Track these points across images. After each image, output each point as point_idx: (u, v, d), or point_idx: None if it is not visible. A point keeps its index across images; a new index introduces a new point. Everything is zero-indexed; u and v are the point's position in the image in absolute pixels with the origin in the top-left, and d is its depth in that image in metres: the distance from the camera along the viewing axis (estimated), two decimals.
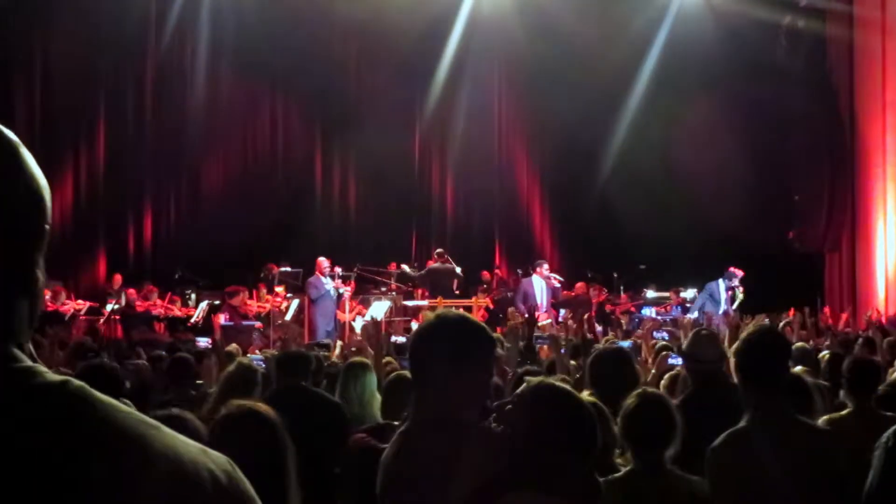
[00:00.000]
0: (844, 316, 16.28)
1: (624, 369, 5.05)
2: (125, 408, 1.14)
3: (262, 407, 3.31)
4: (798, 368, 6.72)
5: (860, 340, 9.90)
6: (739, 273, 16.78)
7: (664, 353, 7.33)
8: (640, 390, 3.97)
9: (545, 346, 8.79)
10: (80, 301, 17.04)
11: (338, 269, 16.93)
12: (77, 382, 1.13)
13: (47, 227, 1.22)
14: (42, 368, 1.14)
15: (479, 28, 20.98)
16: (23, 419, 1.07)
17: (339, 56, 20.76)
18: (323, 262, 16.60)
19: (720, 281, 16.82)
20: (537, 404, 2.87)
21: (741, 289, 16.88)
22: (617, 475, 3.71)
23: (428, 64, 21.12)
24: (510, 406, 2.95)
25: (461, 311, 3.28)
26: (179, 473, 1.11)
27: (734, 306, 17.17)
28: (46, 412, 1.09)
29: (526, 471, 2.72)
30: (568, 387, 3.07)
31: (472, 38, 21.02)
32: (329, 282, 16.52)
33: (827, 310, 16.86)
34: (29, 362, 1.14)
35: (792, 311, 14.86)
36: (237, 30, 19.87)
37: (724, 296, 16.70)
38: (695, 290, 17.69)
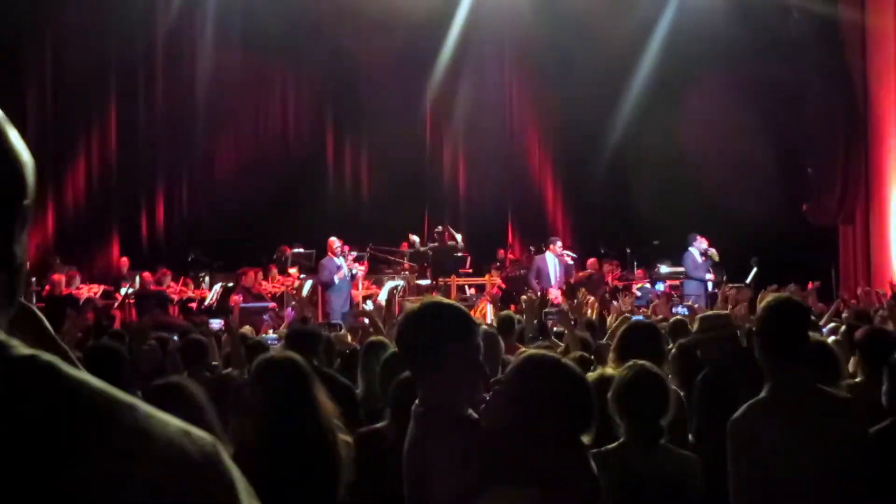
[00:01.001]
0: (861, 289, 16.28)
1: (654, 343, 5.09)
2: (97, 383, 1.10)
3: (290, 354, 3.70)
4: (831, 338, 6.74)
5: (880, 312, 9.88)
6: (701, 239, 17.05)
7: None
8: (632, 362, 3.97)
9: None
10: (94, 285, 17.10)
11: (348, 250, 16.92)
12: (47, 356, 1.10)
13: (27, 202, 1.16)
14: (14, 342, 1.11)
15: (487, 5, 20.89)
16: None
17: (348, 36, 20.67)
18: (334, 241, 16.58)
19: (690, 250, 17.05)
20: (525, 375, 2.86)
21: (714, 251, 17.12)
22: (608, 447, 3.71)
23: (436, 42, 21.04)
24: (500, 380, 2.96)
25: (435, 296, 3.31)
26: (150, 452, 1.07)
27: (749, 280, 17.23)
28: (10, 383, 1.06)
29: (504, 463, 2.70)
30: (558, 356, 3.05)
31: (479, 16, 20.93)
32: (342, 262, 16.52)
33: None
34: (2, 335, 1.11)
35: (809, 285, 14.89)
36: (245, 10, 19.84)
37: (699, 262, 17.05)
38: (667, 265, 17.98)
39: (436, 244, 18.07)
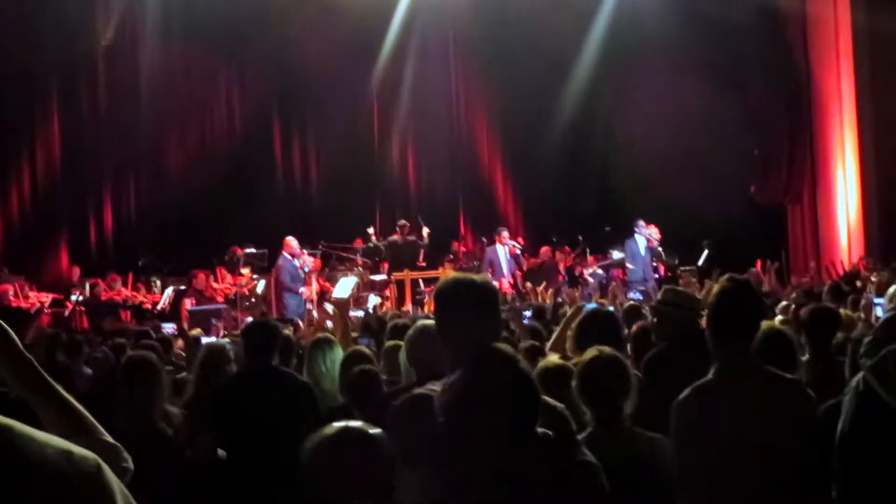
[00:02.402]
0: (812, 265, 16.54)
1: (612, 330, 5.12)
2: None
3: None
4: (779, 318, 6.79)
5: (826, 289, 10.00)
6: (646, 225, 17.20)
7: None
8: (592, 349, 4.01)
9: None
10: (43, 294, 16.86)
11: (297, 246, 16.79)
12: None
13: None
14: None
15: None
16: None
17: (292, 29, 20.41)
18: (291, 241, 16.44)
19: (635, 237, 17.19)
20: (475, 369, 2.85)
21: (655, 236, 17.25)
22: (579, 437, 3.72)
23: (380, 33, 20.95)
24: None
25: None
26: (28, 474, 1.06)
27: (700, 262, 17.40)
28: None
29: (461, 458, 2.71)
30: (505, 349, 3.03)
31: (422, 5, 20.87)
32: (296, 261, 16.43)
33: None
34: None
35: (759, 264, 15.10)
36: (187, 5, 19.57)
37: (642, 249, 17.12)
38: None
39: (394, 238, 18.07)
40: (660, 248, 17.45)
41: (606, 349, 3.98)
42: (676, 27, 18.72)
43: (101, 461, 1.11)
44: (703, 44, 18.77)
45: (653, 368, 5.14)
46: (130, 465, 1.97)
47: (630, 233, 17.56)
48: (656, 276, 17.19)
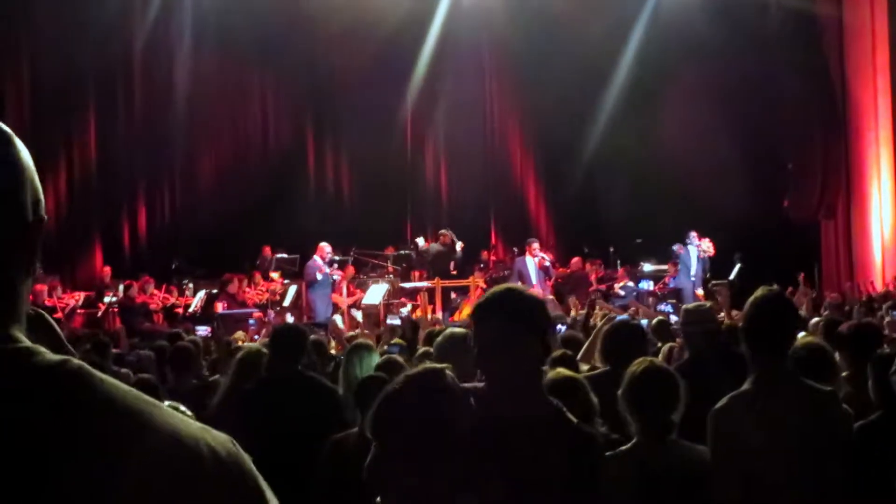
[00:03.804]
0: (847, 285, 16.40)
1: (638, 343, 5.12)
2: (125, 386, 1.15)
3: None
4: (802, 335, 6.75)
5: (858, 306, 9.95)
6: (696, 236, 17.15)
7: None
8: (641, 359, 4.00)
9: None
10: (76, 293, 17.02)
11: (330, 253, 16.90)
12: (76, 361, 1.15)
13: (43, 213, 1.26)
14: (42, 349, 1.16)
15: (464, 8, 20.92)
16: (22, 396, 1.09)
17: (326, 39, 20.56)
18: (325, 247, 16.60)
19: (688, 248, 17.13)
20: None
21: (710, 251, 17.16)
22: (623, 448, 3.73)
23: (415, 45, 21.05)
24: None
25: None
26: (178, 448, 1.12)
27: (732, 276, 17.32)
28: (45, 389, 1.10)
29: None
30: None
31: (457, 19, 20.94)
32: (326, 268, 16.54)
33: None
34: (29, 343, 1.16)
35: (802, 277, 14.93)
36: (221, 15, 19.69)
37: (694, 262, 16.99)
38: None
39: (436, 245, 18.20)
40: (707, 263, 17.36)
41: (654, 360, 3.99)
42: (712, 38, 18.66)
43: (233, 440, 1.19)
44: (738, 55, 18.70)
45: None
46: None
47: (667, 244, 17.57)
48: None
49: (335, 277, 16.92)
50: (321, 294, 16.43)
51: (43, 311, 2.29)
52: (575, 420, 2.99)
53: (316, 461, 4.76)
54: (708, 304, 7.07)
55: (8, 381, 1.10)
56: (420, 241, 18.87)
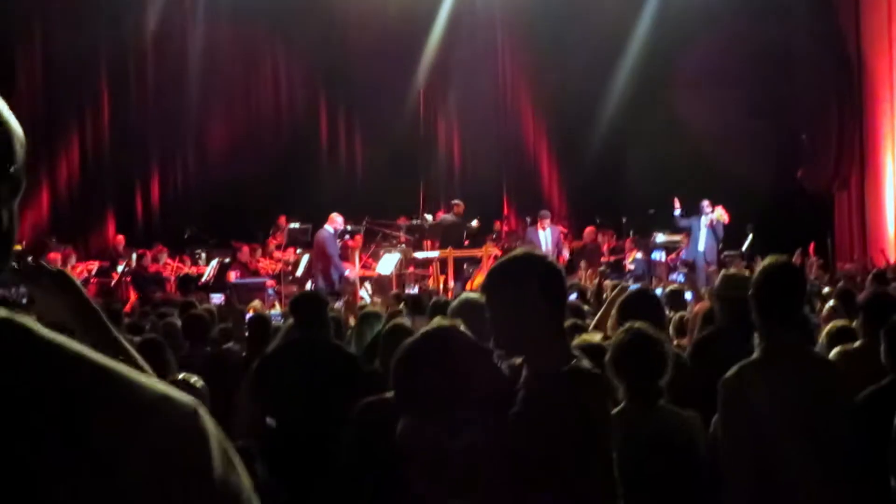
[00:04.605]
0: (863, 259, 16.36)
1: (653, 311, 5.11)
2: (74, 345, 1.10)
3: None
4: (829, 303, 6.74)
5: (870, 276, 9.94)
6: (708, 205, 17.01)
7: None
8: (628, 325, 4.01)
9: None
10: (90, 262, 17.10)
11: (342, 223, 16.85)
12: (20, 318, 1.10)
13: (14, 169, 1.19)
14: None
15: None
16: None
17: (340, 11, 20.58)
18: (336, 217, 16.46)
19: (702, 218, 17.03)
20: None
21: (723, 217, 17.01)
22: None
23: (428, 16, 20.99)
24: None
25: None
26: (128, 410, 1.07)
27: (745, 247, 17.27)
28: None
29: None
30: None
31: None
32: (337, 238, 16.53)
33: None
34: None
35: (798, 254, 14.94)
36: None
37: (703, 231, 16.94)
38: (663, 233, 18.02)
39: (449, 216, 18.21)
40: (719, 231, 17.21)
41: (641, 325, 3.98)
42: (727, 9, 18.57)
43: (198, 406, 1.12)
44: (753, 26, 18.61)
45: (703, 349, 5.12)
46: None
47: (679, 214, 17.53)
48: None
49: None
50: (336, 262, 16.37)
51: (67, 273, 2.33)
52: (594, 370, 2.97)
53: (340, 425, 4.79)
54: (746, 272, 7.02)
55: None
56: (428, 217, 18.88)
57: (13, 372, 1.06)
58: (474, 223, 18.25)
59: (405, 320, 5.54)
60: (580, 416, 2.73)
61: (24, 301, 2.23)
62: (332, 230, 16.34)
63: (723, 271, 5.87)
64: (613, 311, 5.64)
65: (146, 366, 2.10)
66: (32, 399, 1.04)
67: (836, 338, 5.46)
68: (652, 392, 3.83)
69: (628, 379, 3.84)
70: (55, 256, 15.87)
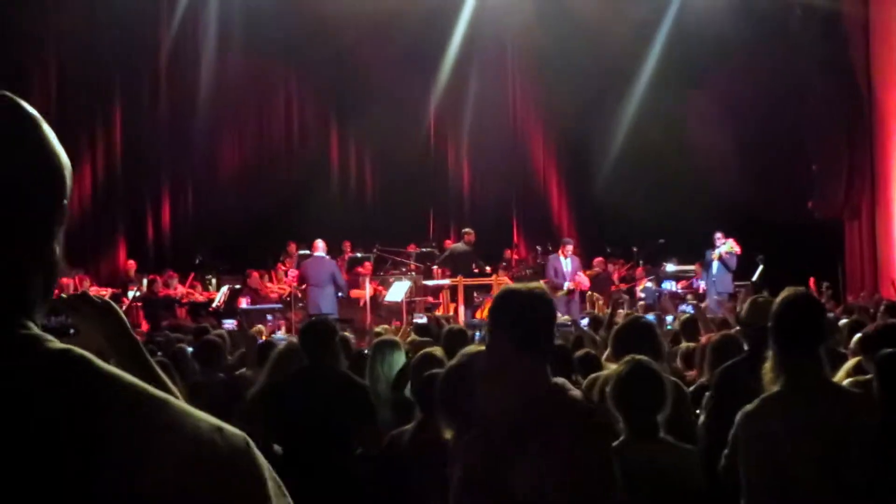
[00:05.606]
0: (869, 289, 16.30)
1: (649, 340, 5.09)
2: (130, 378, 1.13)
3: None
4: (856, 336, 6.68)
5: (882, 307, 9.89)
6: (721, 237, 16.96)
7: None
8: (629, 357, 4.01)
9: None
10: (102, 289, 17.10)
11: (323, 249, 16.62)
12: (79, 351, 1.13)
13: (66, 202, 1.23)
14: (48, 337, 1.14)
15: (489, 5, 20.90)
16: (24, 382, 1.08)
17: (351, 37, 20.63)
18: (319, 244, 16.13)
19: (716, 250, 17.02)
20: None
21: (734, 248, 16.94)
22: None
23: (440, 43, 21.08)
24: None
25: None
26: (181, 445, 1.09)
27: (755, 277, 17.22)
28: (48, 375, 1.09)
29: None
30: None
31: (482, 16, 20.94)
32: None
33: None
34: (37, 331, 1.14)
35: (812, 282, 14.90)
36: (247, 13, 19.84)
37: (715, 263, 16.97)
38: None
39: (459, 245, 18.16)
40: (730, 262, 17.14)
41: (642, 358, 3.98)
42: (738, 34, 18.60)
43: (249, 439, 1.14)
44: (764, 58, 18.64)
45: (726, 379, 5.09)
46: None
47: (689, 245, 17.53)
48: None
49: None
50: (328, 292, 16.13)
51: (110, 302, 2.35)
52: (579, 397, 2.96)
53: (347, 455, 4.78)
54: (772, 299, 6.96)
55: (11, 365, 1.09)
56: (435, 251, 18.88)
57: (81, 408, 1.08)
58: (487, 269, 18.14)
59: (436, 350, 5.50)
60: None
61: (72, 332, 2.23)
62: (323, 254, 16.06)
63: (749, 298, 5.81)
64: (609, 340, 5.64)
65: (180, 396, 2.12)
66: (102, 434, 1.07)
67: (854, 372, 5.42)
68: (650, 425, 3.83)
69: (626, 411, 3.84)
70: (68, 282, 15.91)
